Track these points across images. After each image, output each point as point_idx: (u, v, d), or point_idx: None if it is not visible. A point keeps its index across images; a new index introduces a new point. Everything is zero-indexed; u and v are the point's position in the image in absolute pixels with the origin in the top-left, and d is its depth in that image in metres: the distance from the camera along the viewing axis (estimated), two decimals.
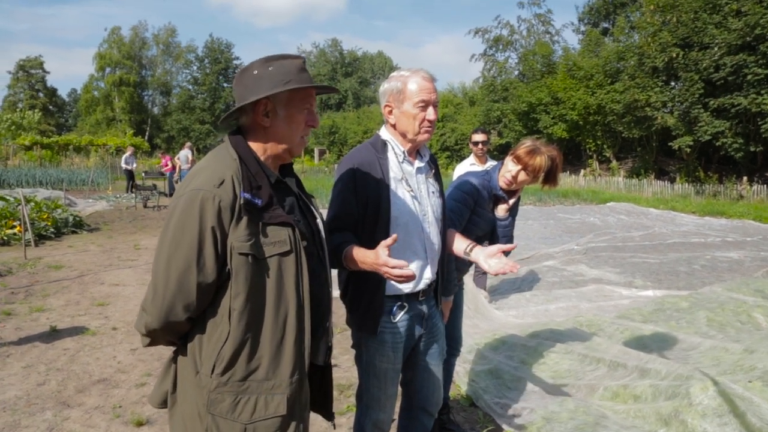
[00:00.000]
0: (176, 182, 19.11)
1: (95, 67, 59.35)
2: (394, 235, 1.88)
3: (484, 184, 2.91)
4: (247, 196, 1.52)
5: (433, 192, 2.37)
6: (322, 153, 49.91)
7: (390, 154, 2.28)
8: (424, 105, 2.20)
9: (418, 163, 2.33)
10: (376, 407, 2.38)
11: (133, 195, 17.10)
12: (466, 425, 3.44)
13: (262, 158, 1.64)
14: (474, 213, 2.89)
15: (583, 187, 26.86)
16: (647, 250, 10.06)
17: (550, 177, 2.85)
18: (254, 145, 1.65)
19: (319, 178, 27.73)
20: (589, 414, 3.20)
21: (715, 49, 22.39)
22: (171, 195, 17.79)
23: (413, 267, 2.19)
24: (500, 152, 38.89)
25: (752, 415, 2.96)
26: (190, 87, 62.10)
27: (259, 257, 1.52)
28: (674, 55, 23.93)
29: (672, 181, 25.36)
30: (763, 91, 20.94)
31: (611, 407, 3.30)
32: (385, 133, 2.33)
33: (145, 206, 16.28)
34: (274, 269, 1.55)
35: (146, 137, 54.98)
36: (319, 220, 1.79)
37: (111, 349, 4.75)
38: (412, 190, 2.27)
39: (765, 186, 21.18)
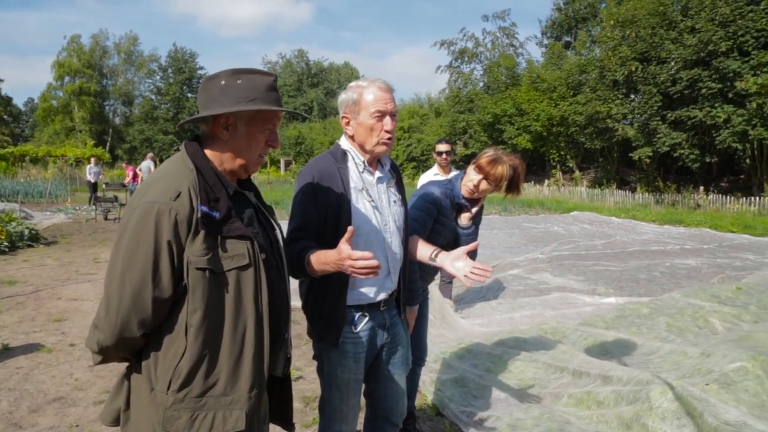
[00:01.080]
0: None
1: (54, 76, 57.75)
2: (350, 228, 1.86)
3: (446, 192, 2.93)
4: (205, 209, 1.48)
5: (394, 201, 2.35)
6: (288, 164, 49.68)
7: (350, 164, 2.26)
8: (381, 115, 2.18)
9: (378, 173, 2.31)
10: (339, 419, 2.35)
11: (94, 207, 16.67)
12: None
13: (219, 169, 1.61)
14: (437, 222, 2.90)
15: (548, 197, 27.34)
16: (609, 258, 10.27)
17: (512, 186, 2.88)
18: (211, 155, 1.62)
19: (285, 189, 27.51)
20: (553, 420, 3.23)
21: (672, 63, 23.15)
22: None
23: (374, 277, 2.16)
24: (466, 162, 38.98)
25: (708, 415, 3.05)
26: (153, 97, 61.08)
27: (217, 271, 1.49)
28: (633, 69, 24.65)
29: (633, 190, 26.01)
30: (716, 105, 21.72)
31: (575, 413, 3.34)
32: (344, 142, 2.31)
33: (105, 218, 15.88)
34: (233, 283, 1.52)
35: (107, 148, 53.77)
36: (277, 232, 1.77)
37: (68, 366, 4.59)
38: (373, 200, 2.25)
39: (720, 195, 21.90)
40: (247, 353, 1.54)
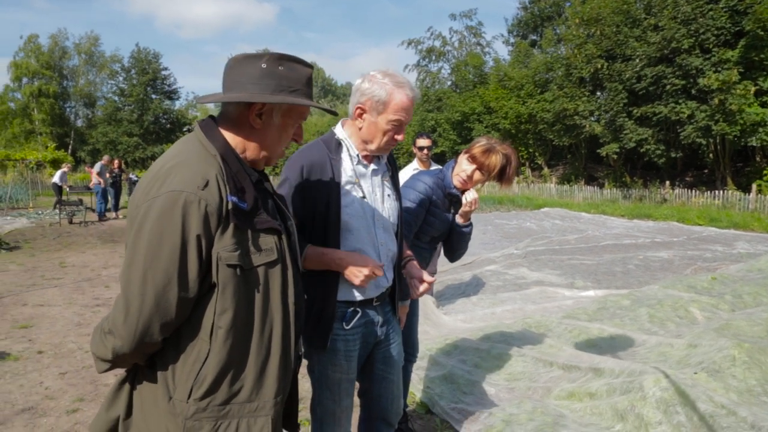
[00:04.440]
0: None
1: (11, 77, 55.75)
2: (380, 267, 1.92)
3: (438, 183, 2.84)
4: (234, 199, 1.35)
5: (388, 195, 2.25)
6: None
7: (344, 155, 2.14)
8: (399, 125, 2.09)
9: (373, 166, 2.20)
10: (331, 421, 2.23)
11: (57, 211, 16.12)
12: None
13: (241, 156, 1.47)
14: (429, 213, 2.81)
15: (518, 194, 27.59)
16: (583, 252, 10.37)
17: (505, 176, 2.81)
18: (233, 140, 1.47)
19: None
20: (547, 414, 3.18)
21: (637, 60, 23.62)
22: (101, 212, 16.83)
23: (366, 272, 2.06)
24: (435, 160, 39.42)
25: (701, 402, 3.03)
26: (116, 98, 59.50)
27: (246, 268, 1.37)
28: (599, 66, 25.06)
29: (601, 186, 26.44)
30: (680, 101, 22.22)
31: (568, 406, 3.30)
32: (341, 131, 2.18)
33: (70, 222, 15.37)
34: (261, 281, 1.40)
35: (69, 151, 52.26)
36: (292, 222, 1.65)
37: (37, 374, 4.37)
38: (365, 194, 2.14)
39: (685, 189, 22.42)
40: (274, 356, 1.43)
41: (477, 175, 2.77)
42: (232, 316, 1.35)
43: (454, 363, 4.11)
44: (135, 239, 1.32)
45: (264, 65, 1.43)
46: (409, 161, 6.45)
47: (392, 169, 2.34)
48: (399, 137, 2.10)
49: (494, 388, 3.67)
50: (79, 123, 61.01)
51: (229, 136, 1.47)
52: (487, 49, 45.75)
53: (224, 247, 1.33)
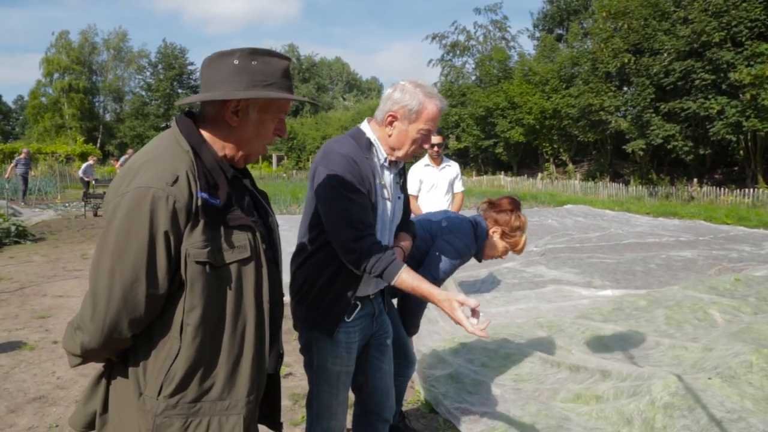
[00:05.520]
0: None
1: (42, 73, 57.06)
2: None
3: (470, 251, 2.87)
4: (205, 195, 1.33)
5: (398, 197, 2.31)
6: (280, 159, 49.45)
7: (374, 157, 2.18)
8: (427, 134, 2.15)
9: (394, 169, 2.27)
10: (327, 415, 2.25)
11: (83, 204, 16.44)
12: None
13: (219, 154, 1.46)
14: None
15: (541, 191, 27.27)
16: (604, 251, 10.18)
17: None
18: (211, 138, 1.45)
19: (277, 184, 27.37)
20: (551, 417, 3.12)
21: (665, 55, 23.07)
22: None
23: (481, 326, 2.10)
24: (459, 156, 39.27)
25: (712, 407, 2.94)
26: (144, 93, 60.53)
27: (217, 265, 1.35)
28: (626, 61, 24.56)
29: (626, 183, 25.98)
30: (710, 96, 21.66)
31: (573, 409, 3.23)
32: (370, 132, 2.20)
33: (95, 215, 15.67)
34: (234, 278, 1.38)
35: (98, 145, 53.34)
36: (273, 218, 1.63)
37: (50, 364, 4.44)
38: (390, 197, 2.21)
39: (714, 187, 21.88)
40: (247, 354, 1.42)
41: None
42: (201, 314, 1.33)
43: (461, 362, 4.05)
44: (104, 235, 1.32)
45: (236, 61, 1.40)
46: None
47: (403, 174, 2.39)
48: (426, 144, 2.19)
49: (500, 388, 3.61)
50: (108, 117, 62.25)
51: (208, 135, 1.46)
52: (512, 44, 45.32)
53: (193, 243, 1.31)
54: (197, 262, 1.31)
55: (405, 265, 2.04)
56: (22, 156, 19.76)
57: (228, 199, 1.39)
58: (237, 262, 1.38)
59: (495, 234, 2.85)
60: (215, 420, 1.38)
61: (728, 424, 2.74)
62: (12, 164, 20.15)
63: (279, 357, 1.66)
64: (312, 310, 2.16)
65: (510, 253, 2.90)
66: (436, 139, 5.43)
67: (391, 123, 2.15)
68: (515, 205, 2.84)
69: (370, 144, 2.17)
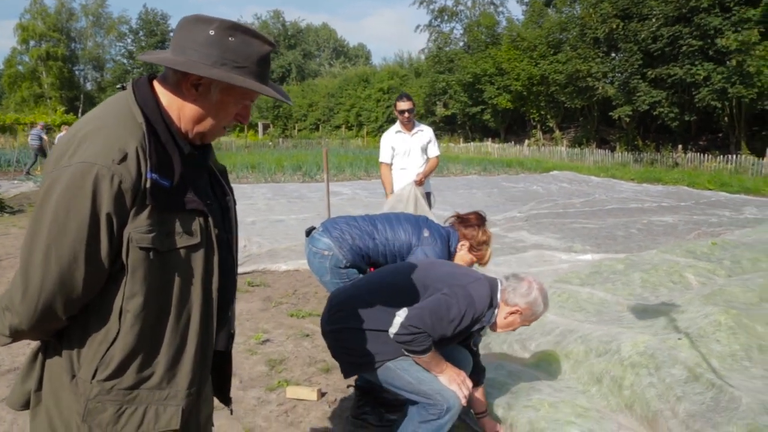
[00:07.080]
0: None
1: (18, 40, 55.49)
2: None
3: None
4: (155, 176, 1.22)
5: None
6: (266, 127, 49.00)
7: None
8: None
9: None
10: (440, 400, 2.37)
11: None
12: None
13: (174, 125, 1.33)
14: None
15: (527, 157, 27.29)
16: (587, 216, 10.24)
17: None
18: (168, 106, 1.33)
19: (262, 153, 27.16)
20: (522, 379, 3.16)
21: (653, 20, 22.89)
22: None
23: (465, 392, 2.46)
24: (446, 122, 39.06)
25: (678, 366, 2.99)
26: (125, 61, 59.34)
27: (163, 251, 1.25)
28: (614, 26, 24.34)
29: (612, 149, 26.03)
30: (696, 62, 21.60)
31: (545, 368, 3.27)
32: None
33: None
34: (180, 265, 1.29)
35: (79, 114, 52.35)
36: (230, 198, 1.52)
37: None
38: None
39: (698, 154, 22.00)
40: (190, 345, 1.34)
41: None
42: (142, 302, 1.25)
43: None
44: (39, 210, 1.20)
45: (212, 32, 1.27)
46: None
47: None
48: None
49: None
50: (89, 86, 61.02)
51: (166, 99, 1.33)
52: (500, 9, 44.76)
53: (137, 228, 1.22)
54: (141, 248, 1.22)
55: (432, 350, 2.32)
56: (38, 128, 19.50)
57: (180, 180, 1.29)
58: (185, 248, 1.29)
59: (463, 247, 3.05)
60: (152, 409, 1.31)
61: (692, 381, 2.79)
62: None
63: (230, 336, 1.57)
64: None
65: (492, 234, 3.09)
66: (405, 104, 5.31)
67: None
68: (481, 220, 3.07)
69: None
